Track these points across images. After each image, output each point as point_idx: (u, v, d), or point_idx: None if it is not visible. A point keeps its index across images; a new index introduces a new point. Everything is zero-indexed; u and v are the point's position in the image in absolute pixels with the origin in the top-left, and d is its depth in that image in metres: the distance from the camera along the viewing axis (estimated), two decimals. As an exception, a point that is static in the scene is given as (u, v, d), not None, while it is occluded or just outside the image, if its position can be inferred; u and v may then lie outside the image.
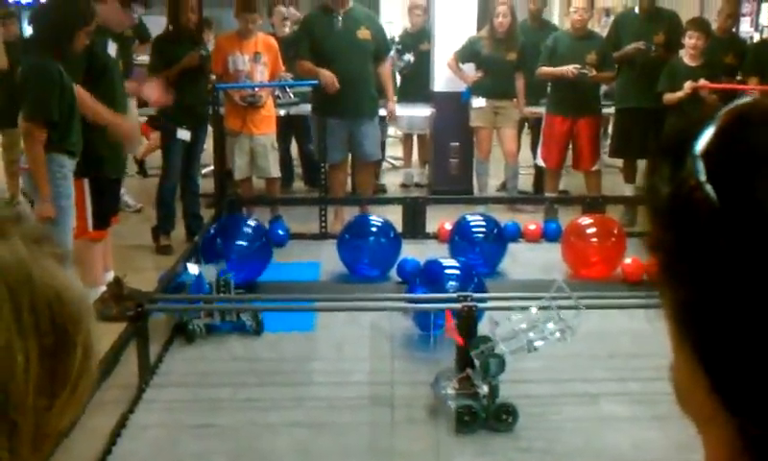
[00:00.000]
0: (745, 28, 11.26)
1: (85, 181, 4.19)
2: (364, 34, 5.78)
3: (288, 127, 7.31)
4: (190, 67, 5.51)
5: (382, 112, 6.38)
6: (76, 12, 3.94)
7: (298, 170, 7.87)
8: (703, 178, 0.48)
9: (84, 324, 0.57)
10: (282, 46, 6.33)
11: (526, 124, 7.68)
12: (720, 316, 0.47)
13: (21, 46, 3.97)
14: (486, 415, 3.25)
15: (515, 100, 6.79)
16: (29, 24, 5.58)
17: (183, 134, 5.60)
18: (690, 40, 5.99)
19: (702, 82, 5.83)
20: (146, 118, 7.10)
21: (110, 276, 4.59)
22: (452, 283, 4.04)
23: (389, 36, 6.78)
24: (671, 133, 0.54)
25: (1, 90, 5.74)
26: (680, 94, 5.84)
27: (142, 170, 7.97)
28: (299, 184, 7.78)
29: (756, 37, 10.79)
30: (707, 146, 0.49)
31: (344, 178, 6.09)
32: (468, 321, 3.46)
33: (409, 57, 7.53)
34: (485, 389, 3.24)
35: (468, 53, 6.81)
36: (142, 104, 6.36)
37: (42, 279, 0.55)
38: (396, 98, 6.67)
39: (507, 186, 7.13)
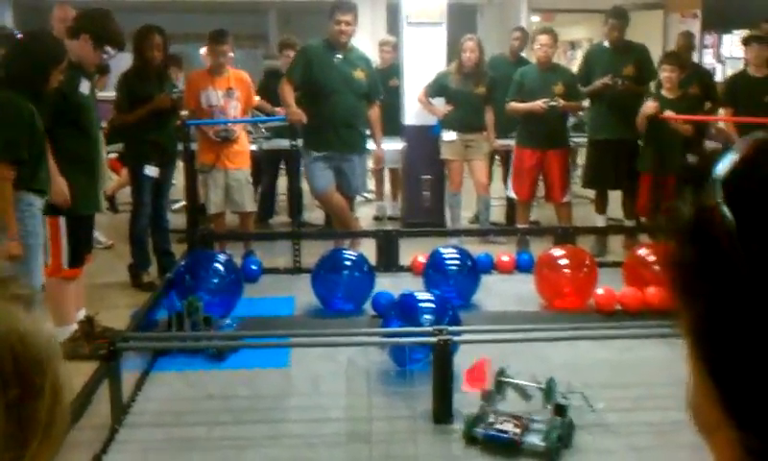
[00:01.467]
0: (708, 59, 11.54)
1: (61, 219, 4.15)
2: (359, 74, 5.82)
3: (277, 161, 7.32)
4: (160, 108, 5.50)
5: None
6: (48, 51, 3.93)
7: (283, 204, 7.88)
8: (721, 200, 0.51)
9: (50, 367, 0.55)
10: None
11: (496, 156, 7.76)
12: (732, 331, 0.50)
13: None
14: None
15: (484, 133, 6.87)
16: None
17: (151, 171, 5.58)
18: (665, 73, 6.15)
19: (668, 113, 5.99)
20: (116, 154, 7.06)
21: (82, 314, 4.54)
22: (427, 316, 4.04)
23: None
24: (695, 161, 0.58)
25: None
26: (643, 115, 6.00)
27: (112, 206, 7.90)
28: (280, 219, 7.77)
29: (719, 69, 11.06)
30: (727, 172, 0.53)
31: (338, 198, 6.03)
32: (443, 354, 3.47)
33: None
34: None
35: (437, 87, 6.89)
36: (112, 139, 6.33)
37: (5, 324, 0.52)
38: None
39: (479, 218, 7.18)
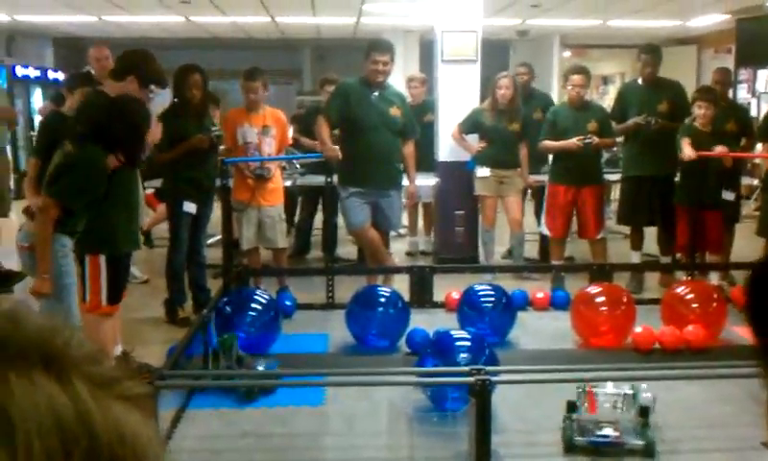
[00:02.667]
0: (742, 94, 11.46)
1: (101, 257, 4.19)
2: (395, 111, 5.86)
3: (315, 197, 7.36)
4: (199, 147, 5.57)
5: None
6: (145, 123, 4.07)
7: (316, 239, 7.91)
8: None
9: None
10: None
11: (528, 191, 7.74)
12: None
13: (79, 129, 4.00)
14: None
15: (518, 169, 6.86)
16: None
17: (190, 208, 5.63)
18: (699, 110, 6.11)
19: (721, 148, 5.93)
20: (153, 190, 7.15)
21: (119, 350, 4.56)
22: (464, 355, 4.01)
23: None
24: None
25: None
26: (693, 155, 5.93)
27: (149, 241, 7.99)
28: (313, 254, 7.80)
29: (754, 103, 10.97)
30: None
31: (373, 234, 6.05)
32: (481, 395, 3.43)
33: None
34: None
35: (471, 124, 6.91)
36: (148, 175, 6.41)
37: (105, 434, 0.49)
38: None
39: (513, 254, 7.15)
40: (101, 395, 0.51)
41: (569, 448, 3.56)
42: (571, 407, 3.63)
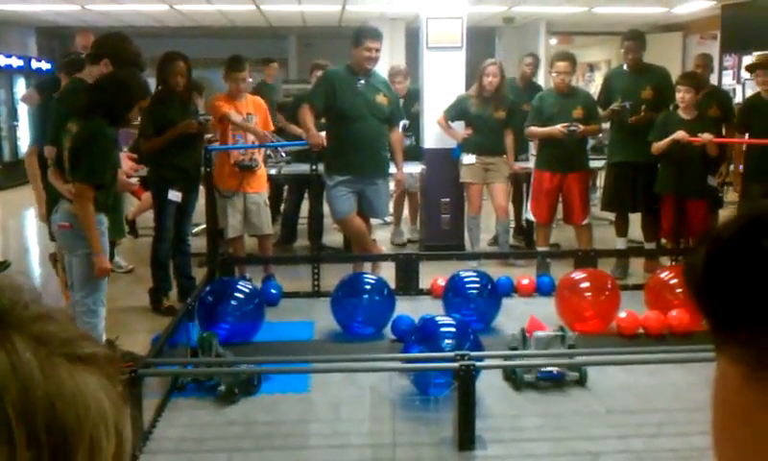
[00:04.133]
0: (727, 80, 11.50)
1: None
2: (382, 99, 5.83)
3: (301, 186, 7.34)
4: (187, 133, 5.54)
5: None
6: (138, 86, 4.19)
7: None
8: None
9: (86, 429, 0.52)
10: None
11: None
12: None
13: (77, 110, 4.08)
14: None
15: (504, 156, 6.86)
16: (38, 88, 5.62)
17: (175, 196, 5.60)
18: (678, 94, 6.11)
19: (681, 133, 5.93)
20: (138, 178, 7.10)
21: (103, 339, 4.54)
22: (448, 341, 4.02)
23: None
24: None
25: None
26: (665, 142, 5.95)
27: (133, 230, 7.95)
28: (300, 242, 7.78)
29: (739, 89, 11.02)
30: None
31: (359, 223, 6.05)
32: (465, 380, 3.44)
33: (405, 122, 7.59)
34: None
35: (456, 111, 6.90)
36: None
37: (43, 388, 0.50)
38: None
39: (498, 241, 7.16)
40: (43, 351, 0.51)
41: (518, 386, 4.09)
42: (514, 350, 4.25)
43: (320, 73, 6.71)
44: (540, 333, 4.30)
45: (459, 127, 6.95)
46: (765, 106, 6.29)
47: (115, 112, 4.05)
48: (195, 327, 4.63)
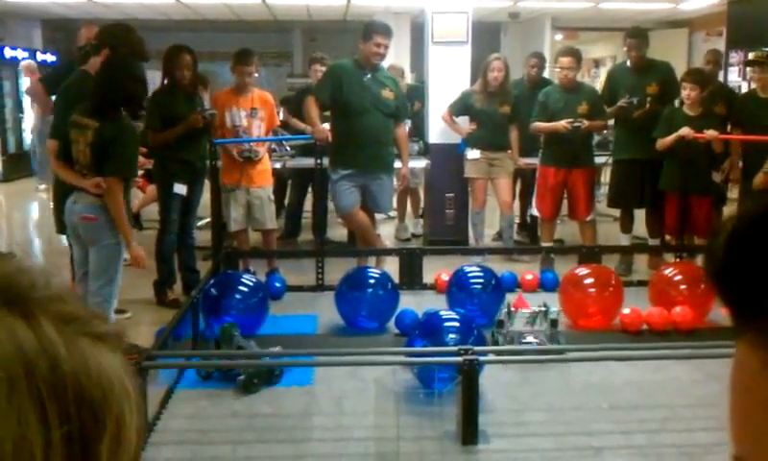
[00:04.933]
0: (733, 77, 11.47)
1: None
2: (388, 94, 5.83)
3: (306, 180, 7.34)
4: (194, 127, 5.54)
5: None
6: (144, 79, 4.24)
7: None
8: None
9: (114, 406, 0.53)
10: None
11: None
12: None
13: (90, 106, 4.11)
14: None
15: (509, 151, 6.86)
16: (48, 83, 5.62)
17: (180, 189, 5.60)
18: (684, 91, 6.10)
19: (686, 130, 5.91)
20: (143, 172, 7.11)
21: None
22: (452, 336, 4.02)
23: None
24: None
25: None
26: (671, 138, 5.94)
27: (138, 223, 7.96)
28: (304, 236, 7.79)
29: (744, 86, 10.98)
30: None
31: (363, 217, 6.04)
32: (469, 375, 3.44)
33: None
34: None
35: (461, 106, 6.90)
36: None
37: (70, 365, 0.51)
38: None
39: (503, 236, 7.16)
40: (67, 330, 0.52)
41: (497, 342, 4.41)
42: (500, 324, 4.51)
43: (318, 66, 6.72)
44: (524, 310, 4.53)
45: (464, 122, 6.95)
46: (757, 102, 6.27)
47: (134, 108, 4.16)
48: (203, 320, 4.65)
